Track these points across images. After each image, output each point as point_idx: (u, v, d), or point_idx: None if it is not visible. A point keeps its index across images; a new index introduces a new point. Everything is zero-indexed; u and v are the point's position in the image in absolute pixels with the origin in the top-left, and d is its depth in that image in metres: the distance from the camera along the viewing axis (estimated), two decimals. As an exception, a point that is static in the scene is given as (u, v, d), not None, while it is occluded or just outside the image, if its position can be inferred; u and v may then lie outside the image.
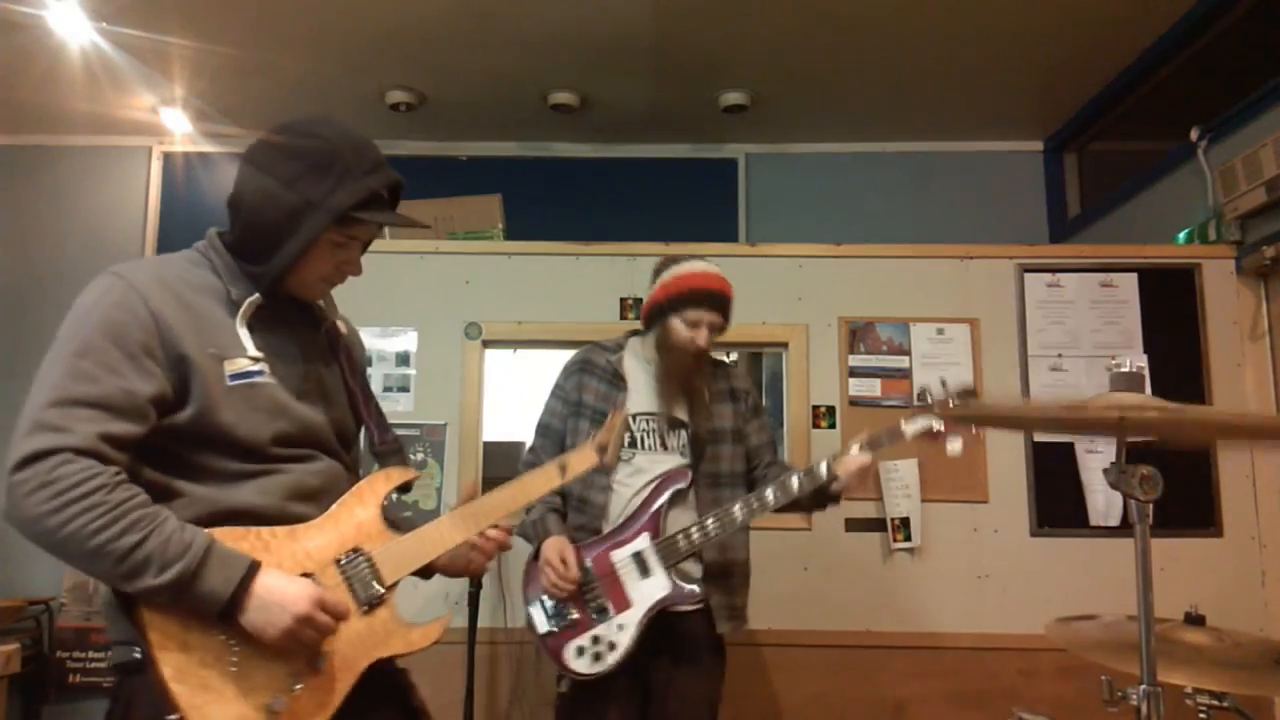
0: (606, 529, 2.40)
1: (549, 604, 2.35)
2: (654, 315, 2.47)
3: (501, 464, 3.41)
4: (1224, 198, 3.29)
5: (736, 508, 2.34)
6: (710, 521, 2.34)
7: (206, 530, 1.37)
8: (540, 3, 3.55)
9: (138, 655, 1.35)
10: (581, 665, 2.30)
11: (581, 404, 2.49)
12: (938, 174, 4.72)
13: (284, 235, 1.48)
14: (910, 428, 2.29)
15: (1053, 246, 4.30)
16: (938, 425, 2.24)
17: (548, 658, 2.35)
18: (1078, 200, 4.66)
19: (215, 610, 1.34)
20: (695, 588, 2.35)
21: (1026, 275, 3.39)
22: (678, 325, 2.39)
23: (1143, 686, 1.44)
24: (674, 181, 4.76)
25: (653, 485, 2.41)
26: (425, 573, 1.61)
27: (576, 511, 2.44)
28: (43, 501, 1.27)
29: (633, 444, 2.45)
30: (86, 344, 1.36)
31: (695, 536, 2.34)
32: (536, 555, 2.39)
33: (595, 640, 2.30)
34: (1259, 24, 3.36)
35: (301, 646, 1.38)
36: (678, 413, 2.47)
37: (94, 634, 4.11)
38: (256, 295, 1.51)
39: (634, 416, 2.45)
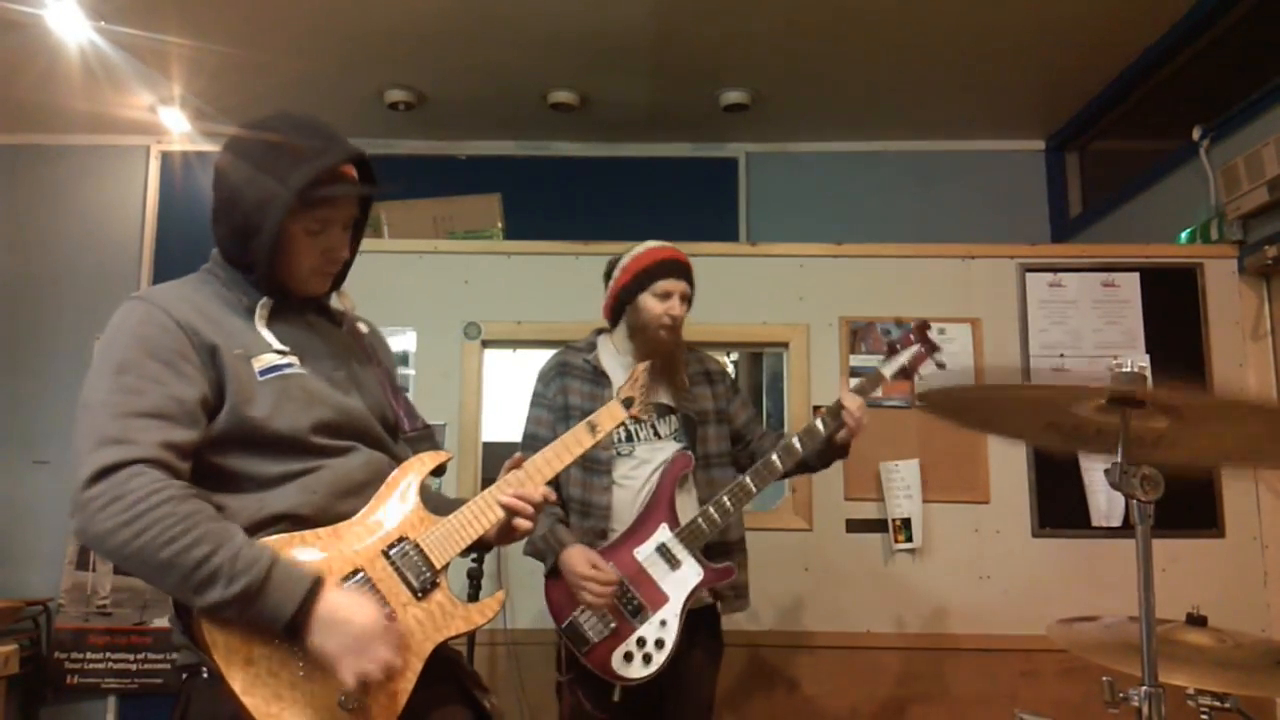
0: (613, 528, 2.36)
1: (584, 617, 2.27)
2: (621, 302, 2.44)
3: (501, 465, 3.39)
4: (1226, 197, 3.28)
5: (747, 479, 2.33)
6: (726, 498, 2.33)
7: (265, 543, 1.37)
8: (540, 0, 3.54)
9: (205, 673, 1.37)
10: (633, 670, 2.23)
11: (568, 407, 2.43)
12: (939, 173, 4.70)
13: (252, 236, 1.49)
14: (889, 369, 2.45)
15: (1054, 246, 4.29)
16: (909, 362, 2.45)
17: (595, 672, 2.26)
18: (1079, 200, 4.65)
19: (279, 626, 1.33)
20: (729, 563, 2.35)
21: (1028, 275, 3.38)
22: (649, 301, 2.37)
23: (1144, 688, 1.43)
24: (674, 181, 4.74)
25: (658, 475, 2.38)
26: (479, 546, 1.62)
27: (580, 516, 2.38)
28: (115, 514, 1.28)
29: (629, 438, 2.42)
30: (123, 361, 1.39)
31: (715, 516, 2.32)
32: (553, 571, 2.30)
33: (641, 643, 2.25)
34: (1261, 23, 3.35)
35: (361, 676, 1.33)
36: (664, 399, 2.45)
37: (92, 635, 4.10)
38: (267, 297, 1.54)
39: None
